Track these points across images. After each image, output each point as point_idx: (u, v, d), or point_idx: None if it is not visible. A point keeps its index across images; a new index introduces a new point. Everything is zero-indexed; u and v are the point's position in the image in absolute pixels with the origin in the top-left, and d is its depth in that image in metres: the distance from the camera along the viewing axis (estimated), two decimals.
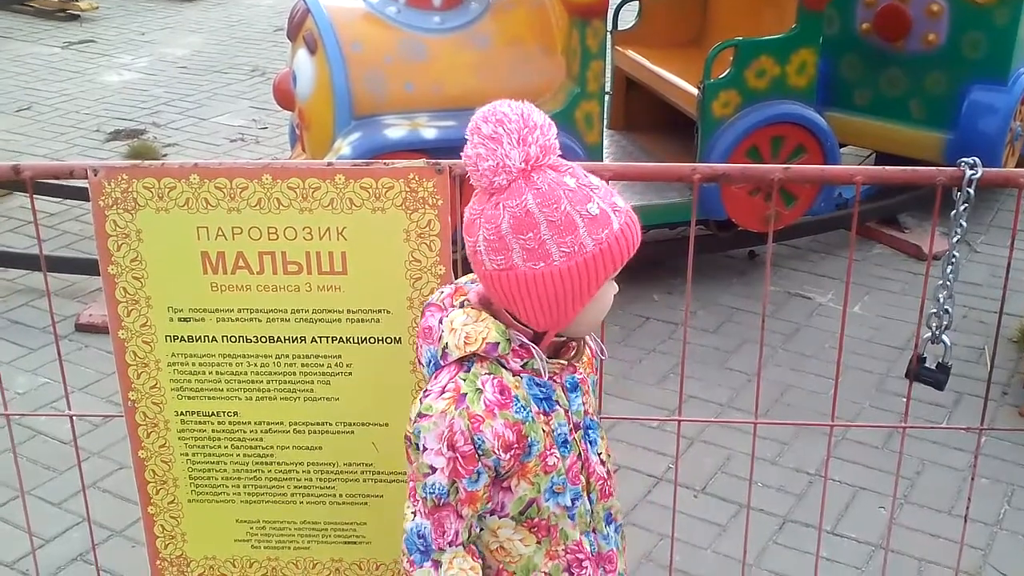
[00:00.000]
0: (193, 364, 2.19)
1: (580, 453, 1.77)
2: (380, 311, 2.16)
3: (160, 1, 11.30)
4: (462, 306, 1.73)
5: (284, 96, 4.54)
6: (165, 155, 6.68)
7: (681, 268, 5.00)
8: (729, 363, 4.35)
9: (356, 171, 2.07)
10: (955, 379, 3.91)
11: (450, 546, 1.66)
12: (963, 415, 3.96)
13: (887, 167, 2.15)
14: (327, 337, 2.18)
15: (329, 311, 2.16)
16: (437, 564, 1.65)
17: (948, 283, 2.15)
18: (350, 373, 2.18)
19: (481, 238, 1.61)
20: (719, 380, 4.23)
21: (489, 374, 1.65)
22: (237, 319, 2.16)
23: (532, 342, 1.67)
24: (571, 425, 1.74)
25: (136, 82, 8.37)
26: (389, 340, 2.18)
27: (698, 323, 4.64)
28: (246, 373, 2.19)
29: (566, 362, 1.73)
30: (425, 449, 1.63)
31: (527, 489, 1.69)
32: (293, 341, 2.18)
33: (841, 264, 5.16)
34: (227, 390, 2.20)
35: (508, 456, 1.64)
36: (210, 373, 2.19)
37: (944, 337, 2.20)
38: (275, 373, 2.19)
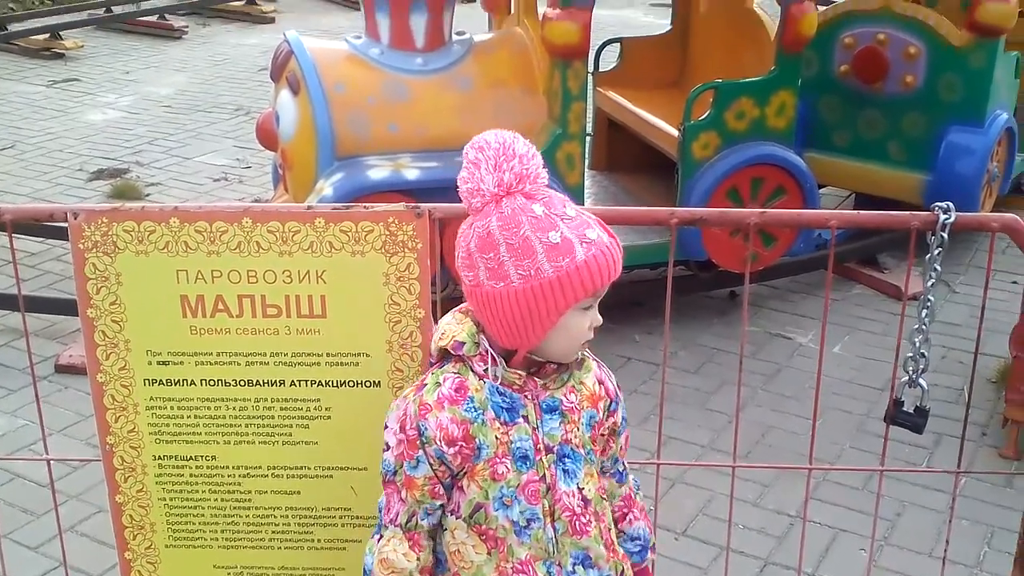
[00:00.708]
0: (171, 408, 2.18)
1: (547, 477, 1.80)
2: (359, 354, 2.15)
3: (145, 40, 11.35)
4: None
5: (267, 136, 4.56)
6: (148, 194, 6.69)
7: (662, 308, 4.97)
8: (710, 404, 4.36)
9: (336, 215, 2.08)
10: (935, 420, 3.94)
11: (391, 524, 1.83)
12: (943, 456, 3.97)
13: (862, 211, 2.17)
14: (306, 380, 2.17)
15: (308, 354, 2.15)
16: (380, 537, 1.86)
17: (924, 327, 2.17)
18: (329, 417, 2.18)
19: (458, 255, 1.76)
20: (700, 421, 4.24)
21: (457, 374, 1.79)
22: (216, 362, 2.15)
23: (506, 354, 1.77)
24: (540, 445, 1.79)
25: (120, 121, 8.39)
26: (368, 383, 2.17)
27: (679, 364, 4.65)
28: (224, 417, 2.18)
29: (524, 373, 1.78)
30: (387, 427, 1.84)
31: (476, 492, 1.78)
32: (272, 384, 2.17)
33: (821, 304, 5.16)
34: (205, 434, 2.19)
35: (452, 451, 1.75)
36: (188, 417, 2.18)
37: (921, 381, 2.21)
38: (254, 417, 2.18)
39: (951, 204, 2.09)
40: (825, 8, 5.65)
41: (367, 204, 2.10)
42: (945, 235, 2.09)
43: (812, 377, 4.51)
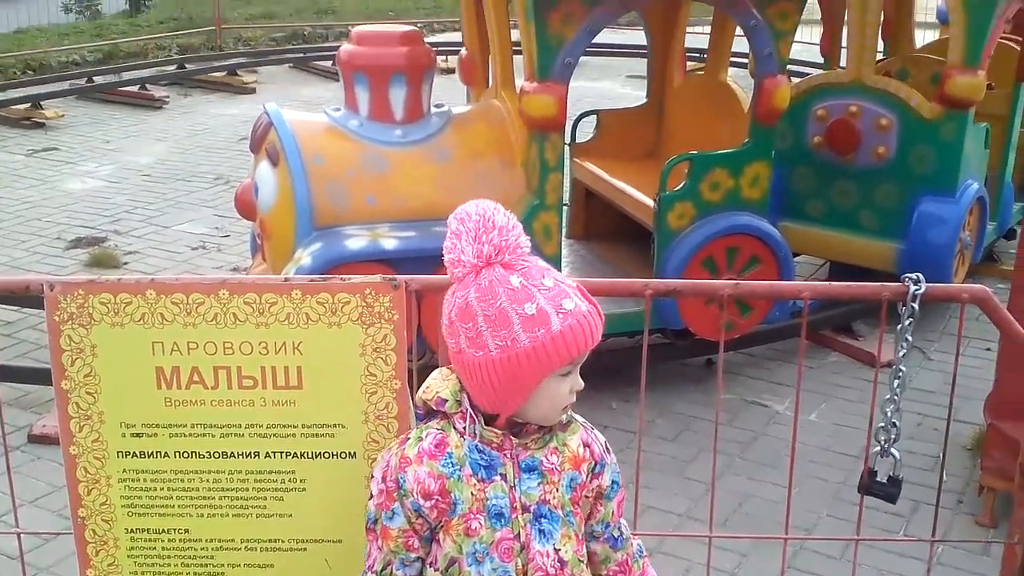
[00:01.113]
0: (144, 480, 2.17)
1: (521, 536, 1.81)
2: (335, 426, 2.16)
3: (125, 109, 11.42)
4: None
5: (245, 207, 4.59)
6: (126, 263, 6.68)
7: (640, 376, 5.03)
8: (687, 472, 4.36)
9: (313, 286, 2.09)
10: (912, 487, 3.96)
11: (369, 571, 1.89)
12: (920, 523, 3.97)
13: (834, 283, 2.20)
14: (281, 452, 2.17)
15: (283, 426, 2.15)
16: None
17: (895, 397, 2.19)
18: (304, 489, 2.17)
19: (442, 321, 1.82)
20: (677, 489, 4.23)
21: (439, 430, 1.84)
22: (190, 434, 2.14)
23: (487, 415, 1.81)
24: (517, 504, 1.81)
25: (99, 190, 8.41)
26: (344, 455, 2.17)
27: (656, 432, 4.65)
28: (198, 489, 2.17)
29: (502, 432, 1.81)
30: (373, 476, 1.91)
31: (451, 546, 1.82)
32: (246, 456, 2.17)
33: (797, 372, 5.20)
34: (178, 507, 2.18)
35: (428, 505, 1.80)
36: (161, 489, 2.17)
37: (893, 451, 2.23)
38: (227, 489, 2.17)
39: (921, 276, 2.12)
40: (798, 81, 5.77)
41: (344, 276, 2.12)
42: (916, 306, 2.12)
43: (788, 445, 4.46)
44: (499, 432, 1.81)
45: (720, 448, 4.48)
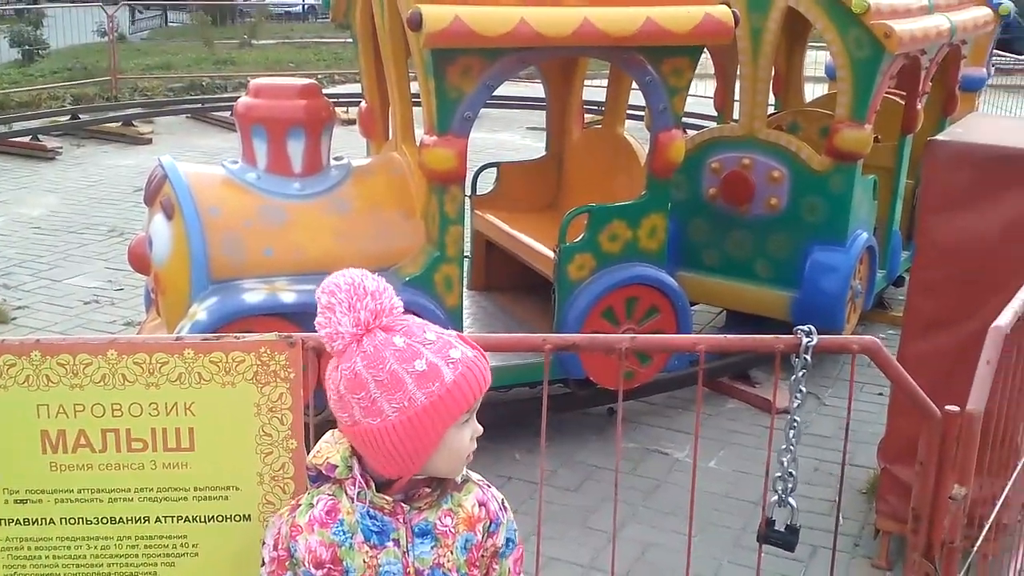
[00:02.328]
0: (29, 548, 2.08)
1: None
2: (229, 488, 2.10)
3: (16, 160, 11.14)
4: None
5: (139, 261, 4.49)
6: (15, 318, 6.48)
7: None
8: (590, 522, 4.36)
9: (206, 345, 2.05)
10: (810, 532, 4.02)
11: None
12: (819, 568, 4.03)
13: (728, 336, 2.23)
14: (172, 516, 2.10)
15: (175, 489, 2.09)
16: None
17: (791, 447, 2.22)
18: (196, 554, 2.11)
19: (329, 396, 1.78)
20: (581, 540, 4.22)
21: (331, 495, 1.82)
22: (77, 499, 2.07)
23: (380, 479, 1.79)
24: (411, 569, 1.80)
25: None
26: (238, 518, 2.12)
27: (559, 482, 4.65)
28: (85, 557, 2.09)
29: (392, 499, 1.79)
30: (264, 543, 1.89)
31: None
32: (136, 522, 2.10)
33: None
34: (65, 575, 2.10)
35: (320, 574, 1.78)
36: (47, 558, 2.09)
37: (790, 500, 2.26)
38: (116, 556, 2.10)
39: (813, 328, 2.17)
40: (694, 134, 5.89)
41: (238, 334, 2.08)
42: (808, 357, 2.16)
43: (690, 492, 4.55)
44: (390, 500, 1.79)
45: (623, 497, 4.51)
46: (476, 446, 1.82)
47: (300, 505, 1.84)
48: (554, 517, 4.30)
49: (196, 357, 2.04)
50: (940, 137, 3.74)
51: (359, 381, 1.71)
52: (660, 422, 5.29)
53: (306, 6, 31.68)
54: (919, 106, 5.95)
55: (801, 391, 2.19)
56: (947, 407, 2.17)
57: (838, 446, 5.01)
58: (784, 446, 2.23)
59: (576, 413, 5.22)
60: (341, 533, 1.78)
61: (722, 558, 4.12)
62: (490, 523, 1.89)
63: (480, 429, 1.81)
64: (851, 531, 4.28)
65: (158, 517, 2.10)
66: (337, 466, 1.80)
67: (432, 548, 1.81)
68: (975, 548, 2.86)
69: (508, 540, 1.93)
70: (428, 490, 1.81)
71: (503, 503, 1.94)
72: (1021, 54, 15.62)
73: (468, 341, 1.79)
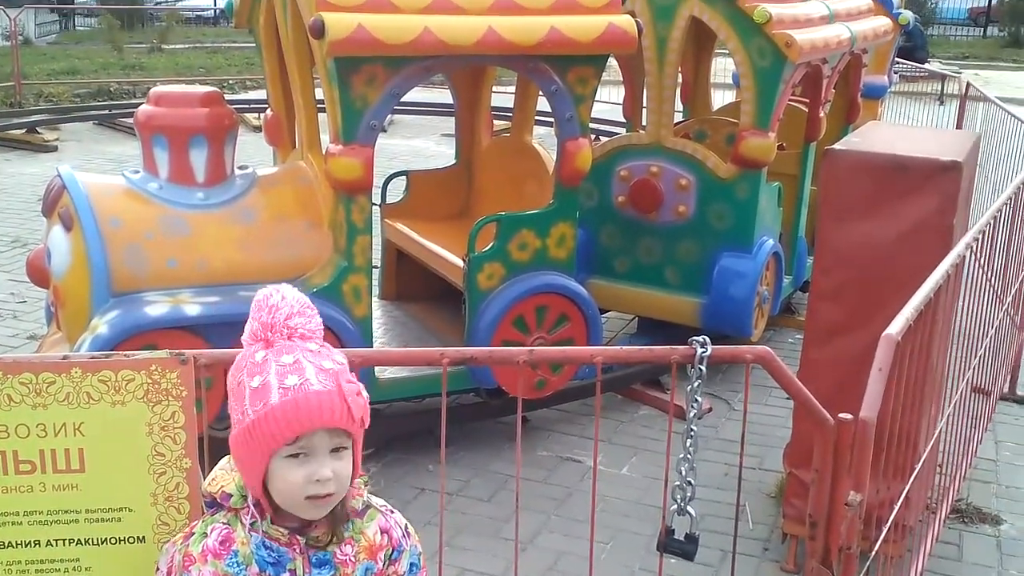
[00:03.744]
0: None
1: None
2: (122, 509, 2.06)
3: None
4: None
5: (38, 274, 4.37)
6: None
7: (456, 437, 5.02)
8: (503, 532, 4.35)
9: (94, 364, 2.00)
10: (720, 537, 4.07)
11: None
12: (728, 572, 4.06)
13: (625, 347, 2.25)
14: (64, 540, 2.05)
15: (66, 512, 2.04)
16: None
17: (689, 456, 2.24)
18: None
19: None
20: (495, 550, 4.21)
21: (226, 524, 1.79)
22: None
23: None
24: None
25: None
26: (132, 540, 2.07)
27: (472, 492, 4.64)
28: None
29: (287, 530, 1.76)
30: (158, 569, 1.88)
31: None
32: (26, 546, 2.04)
33: (610, 426, 5.30)
34: None
35: None
36: None
37: (689, 509, 2.27)
38: None
39: (707, 339, 2.19)
40: (602, 142, 5.94)
41: (128, 352, 2.04)
42: (703, 368, 2.18)
43: (602, 500, 4.58)
44: (284, 531, 1.76)
45: (536, 505, 4.52)
46: (323, 493, 1.71)
47: (194, 533, 1.80)
48: (467, 528, 4.29)
49: (84, 376, 1.99)
50: (838, 146, 3.81)
51: (230, 386, 1.78)
52: (573, 430, 5.30)
53: (218, 11, 31.24)
54: (822, 114, 6.06)
55: (698, 400, 2.21)
56: (840, 415, 2.21)
57: (748, 451, 5.07)
58: (682, 456, 2.25)
59: (490, 422, 5.21)
60: (235, 565, 1.75)
61: (633, 565, 4.14)
62: (392, 550, 1.87)
63: (326, 475, 1.69)
64: (760, 535, 4.34)
65: (49, 541, 2.05)
66: (232, 495, 1.78)
67: None
68: (874, 551, 2.92)
69: (412, 565, 1.92)
70: (325, 521, 1.78)
71: (406, 529, 1.92)
72: (923, 62, 16.05)
73: (335, 374, 1.72)
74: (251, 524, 1.76)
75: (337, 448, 1.71)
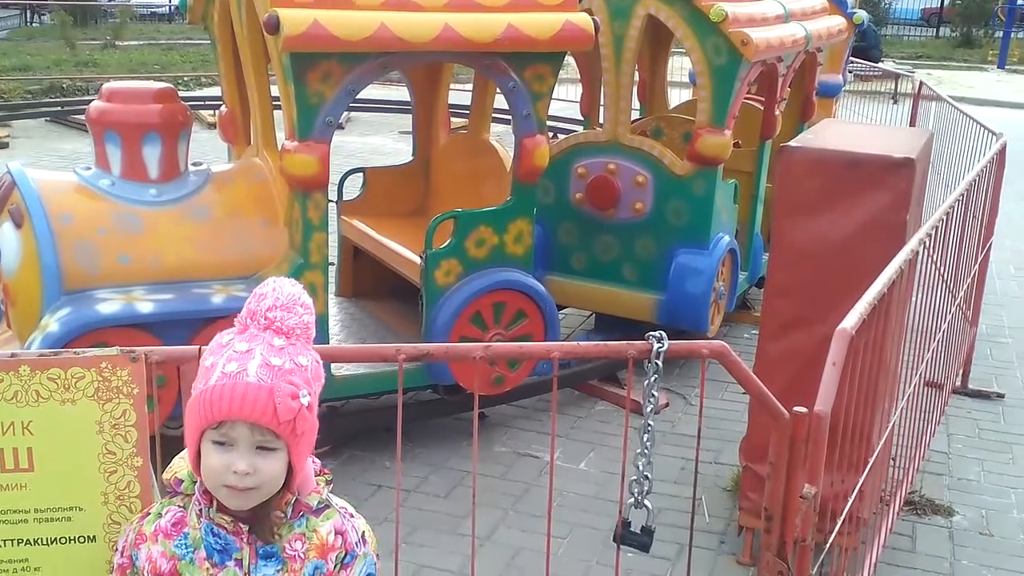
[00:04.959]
0: None
1: None
2: (72, 508, 2.03)
3: None
4: None
5: None
6: None
7: (413, 433, 5.01)
8: (461, 528, 4.34)
9: (43, 361, 1.97)
10: (677, 530, 4.09)
11: None
12: (685, 565, 4.09)
13: (582, 343, 2.25)
14: (12, 540, 2.02)
15: (14, 511, 2.01)
16: None
17: (646, 451, 2.25)
18: None
19: None
20: (452, 547, 4.21)
21: (181, 507, 1.84)
22: None
23: None
24: None
25: None
26: (83, 539, 2.05)
27: (430, 488, 4.63)
28: None
29: (231, 519, 1.76)
30: (116, 549, 1.92)
31: None
32: None
33: (568, 422, 5.31)
34: None
35: None
36: None
37: (646, 502, 2.28)
38: None
39: (664, 333, 2.20)
40: (559, 140, 5.94)
41: (78, 349, 2.01)
42: (659, 363, 2.19)
43: (560, 495, 4.59)
44: (229, 520, 1.76)
45: (493, 501, 4.52)
46: (240, 487, 1.71)
47: (150, 513, 1.86)
48: (425, 524, 4.28)
49: (33, 374, 1.96)
50: (792, 143, 3.84)
51: None
52: (531, 426, 5.31)
53: (172, 7, 30.94)
54: (777, 112, 6.11)
55: (654, 395, 2.22)
56: (795, 408, 2.23)
57: (704, 445, 5.11)
58: (639, 450, 2.26)
59: (448, 419, 5.21)
60: (184, 547, 1.78)
61: (591, 559, 4.15)
62: (345, 554, 1.86)
63: (242, 467, 1.70)
64: (717, 528, 4.36)
65: None
66: (183, 480, 1.82)
67: (277, 572, 1.77)
68: (829, 543, 2.95)
69: (369, 573, 1.90)
70: (280, 514, 1.78)
71: (363, 536, 1.90)
72: (877, 62, 16.23)
73: (280, 369, 1.72)
74: (199, 511, 1.79)
75: (263, 446, 1.70)
